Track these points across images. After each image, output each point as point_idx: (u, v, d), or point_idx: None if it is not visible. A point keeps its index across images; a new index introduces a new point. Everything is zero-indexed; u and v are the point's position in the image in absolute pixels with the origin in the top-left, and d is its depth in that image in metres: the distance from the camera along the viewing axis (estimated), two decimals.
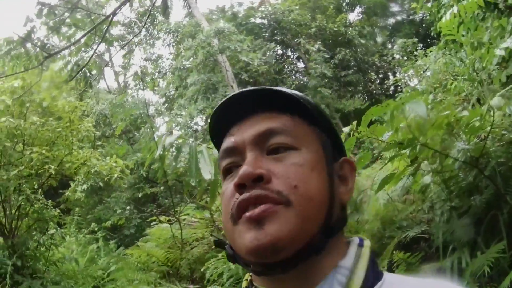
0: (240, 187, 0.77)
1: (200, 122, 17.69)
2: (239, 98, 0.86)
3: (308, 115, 0.85)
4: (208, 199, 6.94)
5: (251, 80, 17.90)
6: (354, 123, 3.85)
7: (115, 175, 8.81)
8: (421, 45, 16.71)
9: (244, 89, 0.85)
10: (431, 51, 10.53)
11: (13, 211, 7.92)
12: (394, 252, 4.45)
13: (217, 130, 0.90)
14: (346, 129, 3.93)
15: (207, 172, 4.03)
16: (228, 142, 0.85)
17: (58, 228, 8.98)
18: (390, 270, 4.31)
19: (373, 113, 3.71)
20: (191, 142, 4.47)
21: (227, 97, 0.86)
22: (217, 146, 0.91)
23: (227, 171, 0.85)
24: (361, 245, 0.83)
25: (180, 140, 4.57)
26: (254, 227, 0.74)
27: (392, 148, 3.91)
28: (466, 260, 3.91)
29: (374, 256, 0.83)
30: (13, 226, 7.85)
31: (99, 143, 10.75)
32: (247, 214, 0.75)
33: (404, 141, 3.69)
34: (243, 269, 3.90)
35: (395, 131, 3.75)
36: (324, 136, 0.87)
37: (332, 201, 0.81)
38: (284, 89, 0.84)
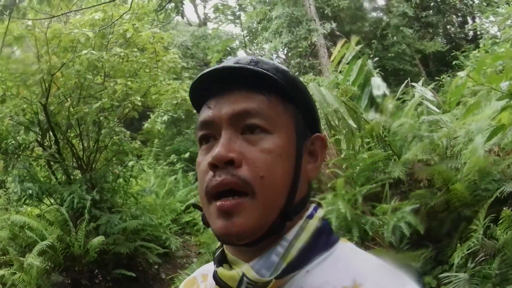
0: (213, 166, 0.74)
1: (282, 55, 17.11)
2: (217, 73, 0.78)
3: (284, 92, 0.79)
4: None
5: (332, 15, 16.65)
6: (468, 68, 3.81)
7: None
8: None
9: (220, 66, 0.78)
10: None
11: (92, 144, 7.13)
12: (505, 208, 3.70)
13: (197, 97, 0.84)
14: (461, 73, 3.82)
15: None
16: (206, 115, 0.79)
17: (138, 160, 8.19)
18: (488, 226, 3.75)
19: (490, 61, 3.80)
20: None
21: (207, 70, 0.80)
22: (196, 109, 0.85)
23: (204, 140, 0.80)
24: (310, 216, 0.79)
25: None
26: (223, 216, 0.73)
27: (506, 98, 3.59)
28: None
29: (325, 226, 0.80)
30: (90, 159, 7.08)
31: (186, 74, 9.74)
32: (218, 203, 0.73)
33: None
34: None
35: None
36: (298, 113, 0.81)
37: (296, 185, 0.77)
38: (259, 68, 0.77)
